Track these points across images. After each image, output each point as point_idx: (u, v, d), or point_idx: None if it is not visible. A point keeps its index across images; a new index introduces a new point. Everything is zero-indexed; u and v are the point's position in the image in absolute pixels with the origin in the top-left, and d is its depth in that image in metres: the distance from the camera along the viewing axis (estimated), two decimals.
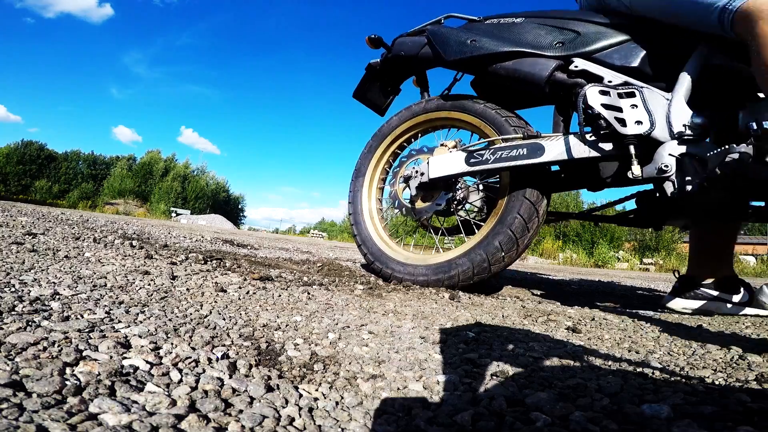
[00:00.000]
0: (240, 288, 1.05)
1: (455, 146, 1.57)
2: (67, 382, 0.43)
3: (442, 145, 1.60)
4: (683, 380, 0.63)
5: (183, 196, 24.56)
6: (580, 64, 1.32)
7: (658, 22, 1.26)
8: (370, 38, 1.72)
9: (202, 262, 1.47)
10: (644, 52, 1.27)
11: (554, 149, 1.30)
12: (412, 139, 1.82)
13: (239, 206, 29.78)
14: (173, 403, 0.43)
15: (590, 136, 1.25)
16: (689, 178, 1.11)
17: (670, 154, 1.14)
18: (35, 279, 0.87)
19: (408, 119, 1.75)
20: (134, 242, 1.77)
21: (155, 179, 24.81)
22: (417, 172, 1.57)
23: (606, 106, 1.21)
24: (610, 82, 1.26)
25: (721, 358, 0.79)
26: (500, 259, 1.37)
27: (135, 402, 0.42)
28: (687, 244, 1.68)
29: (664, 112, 1.17)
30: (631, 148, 1.17)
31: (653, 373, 0.66)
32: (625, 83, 1.24)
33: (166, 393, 0.45)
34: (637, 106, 1.19)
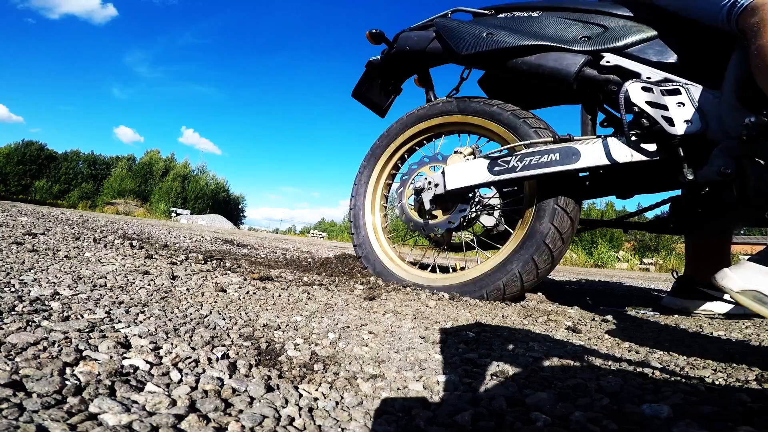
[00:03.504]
0: (240, 288, 1.05)
1: (472, 153, 1.45)
2: (67, 382, 0.43)
3: (456, 152, 1.47)
4: (683, 380, 0.63)
5: (183, 196, 24.58)
6: (612, 59, 1.21)
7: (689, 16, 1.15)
8: (371, 33, 1.62)
9: (202, 262, 1.47)
10: (682, 47, 1.17)
11: (591, 153, 1.18)
12: (404, 158, 1.70)
13: (239, 206, 29.82)
14: (173, 403, 0.43)
15: (633, 137, 1.14)
16: (756, 181, 1.00)
17: (730, 156, 1.02)
18: (35, 279, 0.87)
19: (410, 126, 1.62)
20: (134, 242, 1.77)
21: (155, 179, 24.84)
22: (430, 183, 1.43)
23: (651, 104, 1.10)
24: (648, 78, 1.15)
25: (721, 358, 0.79)
26: (519, 288, 1.29)
27: (135, 402, 0.42)
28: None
29: (715, 111, 1.06)
30: (680, 150, 1.08)
31: (653, 373, 0.66)
32: (666, 80, 1.14)
33: (166, 393, 0.45)
34: (684, 104, 1.08)
